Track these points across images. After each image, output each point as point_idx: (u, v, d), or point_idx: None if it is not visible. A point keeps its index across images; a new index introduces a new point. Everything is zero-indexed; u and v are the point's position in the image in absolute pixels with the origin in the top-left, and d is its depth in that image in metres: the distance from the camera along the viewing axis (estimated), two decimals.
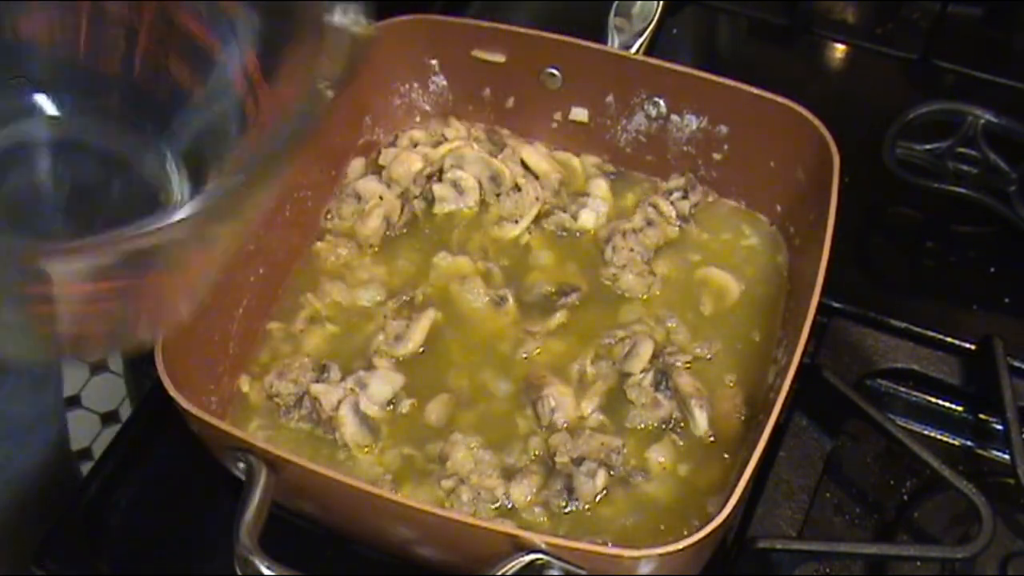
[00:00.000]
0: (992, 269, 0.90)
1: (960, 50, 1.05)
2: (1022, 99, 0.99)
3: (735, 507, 0.62)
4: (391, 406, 0.78)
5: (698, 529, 0.61)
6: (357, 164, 0.90)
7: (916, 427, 0.81)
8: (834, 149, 0.78)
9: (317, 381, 0.77)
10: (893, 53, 1.06)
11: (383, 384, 0.78)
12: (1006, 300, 0.88)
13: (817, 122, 0.79)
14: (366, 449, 0.76)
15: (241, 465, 0.66)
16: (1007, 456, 0.75)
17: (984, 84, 1.02)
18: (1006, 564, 0.73)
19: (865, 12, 1.11)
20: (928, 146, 0.94)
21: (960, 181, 0.92)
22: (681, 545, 0.60)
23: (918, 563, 0.73)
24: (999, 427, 0.79)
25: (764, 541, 0.71)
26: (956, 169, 0.93)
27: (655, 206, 0.86)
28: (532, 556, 0.61)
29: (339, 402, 0.76)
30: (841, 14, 1.12)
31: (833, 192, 0.75)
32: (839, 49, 1.09)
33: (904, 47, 1.06)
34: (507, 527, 0.65)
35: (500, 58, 0.88)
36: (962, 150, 0.93)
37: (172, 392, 0.66)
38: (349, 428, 0.75)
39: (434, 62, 0.90)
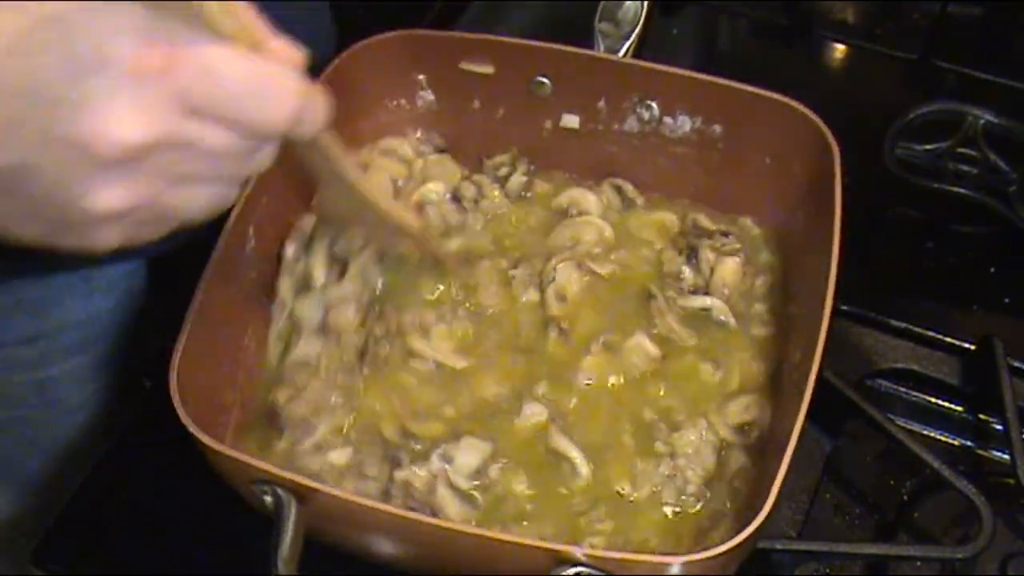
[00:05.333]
0: (992, 269, 0.90)
1: (960, 50, 1.05)
2: (1022, 99, 0.99)
3: (770, 511, 0.61)
4: (479, 475, 0.74)
5: (738, 532, 0.61)
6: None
7: (916, 427, 0.81)
8: (832, 141, 0.77)
9: (397, 466, 0.73)
10: (893, 53, 1.06)
11: (470, 455, 0.74)
12: (1006, 300, 0.88)
13: (812, 115, 0.79)
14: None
15: (268, 498, 0.64)
16: (1007, 456, 0.75)
17: (984, 84, 1.02)
18: (1006, 564, 0.73)
19: (865, 12, 1.11)
20: (928, 146, 0.94)
21: (960, 181, 0.93)
22: (724, 548, 0.60)
23: (918, 563, 0.73)
24: (999, 427, 0.79)
25: (764, 541, 0.71)
26: (956, 169, 0.93)
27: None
28: (575, 570, 0.60)
29: (433, 484, 0.72)
30: (841, 14, 1.12)
31: (836, 190, 0.75)
32: (839, 49, 1.09)
33: (904, 47, 1.06)
34: (545, 542, 0.63)
35: (489, 69, 0.87)
36: (962, 150, 0.94)
37: (192, 429, 0.65)
38: (453, 508, 0.72)
39: (421, 77, 0.89)
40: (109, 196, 0.50)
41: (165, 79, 0.48)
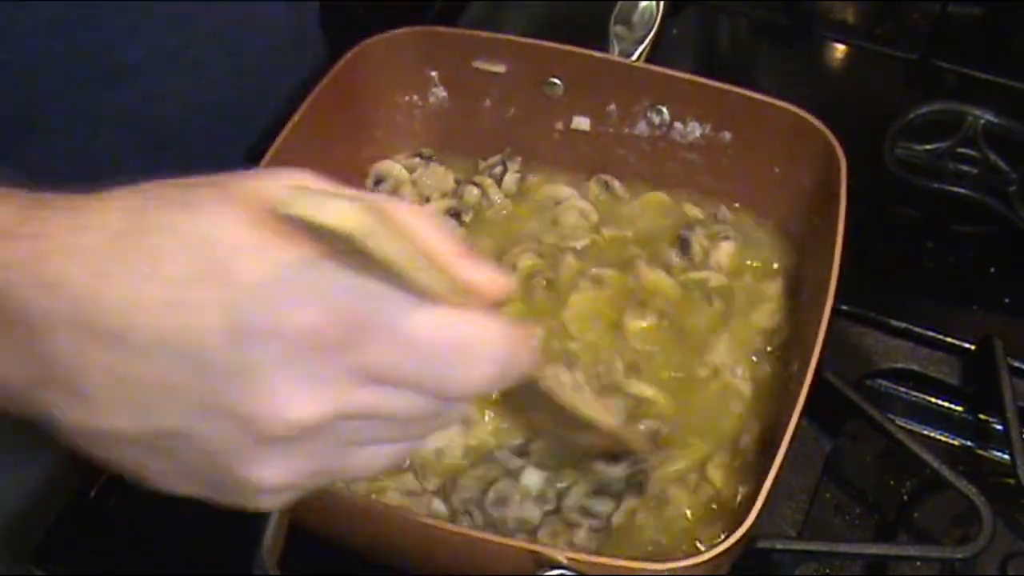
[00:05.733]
0: (992, 269, 0.90)
1: (960, 50, 1.05)
2: (1022, 99, 0.99)
3: (758, 515, 0.61)
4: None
5: (724, 539, 0.61)
6: None
7: (916, 427, 0.81)
8: (841, 155, 0.77)
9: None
10: (893, 53, 1.06)
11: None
12: (1006, 300, 0.88)
13: (822, 127, 0.79)
14: None
15: None
16: (1007, 456, 0.75)
17: (984, 84, 1.02)
18: (1006, 564, 0.73)
19: (865, 12, 1.11)
20: (928, 146, 0.94)
21: (960, 181, 0.93)
22: (707, 556, 0.60)
23: (918, 563, 0.73)
24: (999, 427, 0.79)
25: (764, 541, 0.71)
26: (956, 169, 0.93)
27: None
28: (557, 572, 0.60)
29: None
30: (841, 14, 1.12)
31: (841, 200, 0.74)
32: (839, 49, 1.09)
33: (904, 47, 1.06)
34: (526, 543, 0.64)
35: (501, 68, 0.87)
36: (962, 150, 0.94)
37: None
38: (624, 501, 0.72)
39: (434, 74, 0.89)
40: (274, 472, 0.45)
41: (346, 351, 0.42)
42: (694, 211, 0.86)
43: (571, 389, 0.63)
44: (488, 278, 0.46)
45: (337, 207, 0.38)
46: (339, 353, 0.42)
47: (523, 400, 0.61)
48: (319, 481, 0.47)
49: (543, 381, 0.57)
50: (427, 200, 0.88)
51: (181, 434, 0.44)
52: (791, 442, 0.65)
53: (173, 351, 0.42)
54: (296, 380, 0.42)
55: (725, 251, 0.83)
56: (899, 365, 0.82)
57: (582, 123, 0.89)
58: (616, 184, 0.88)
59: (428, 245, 0.43)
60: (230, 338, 0.41)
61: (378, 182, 0.89)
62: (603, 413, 0.66)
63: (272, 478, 0.45)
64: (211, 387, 0.43)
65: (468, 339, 0.43)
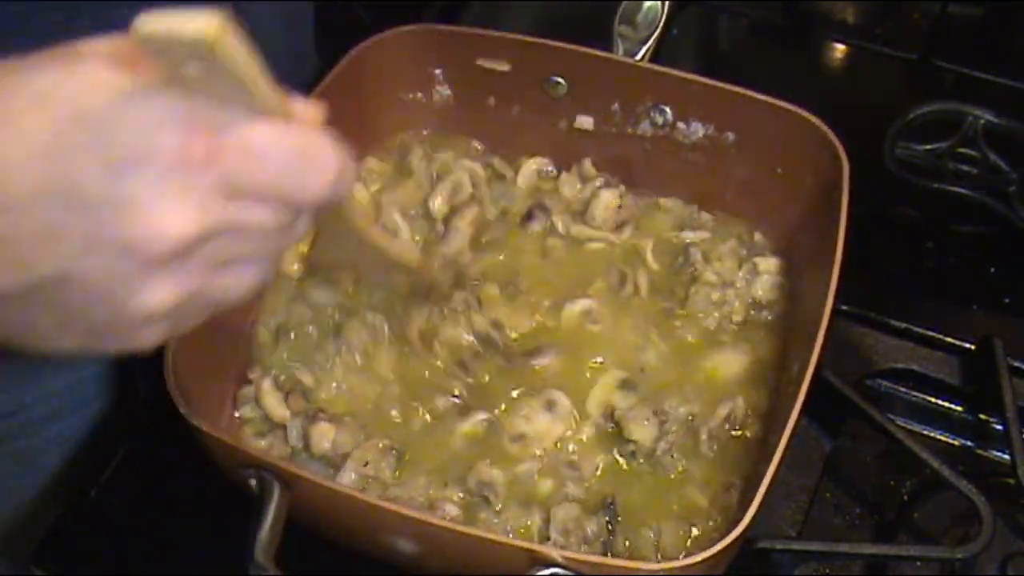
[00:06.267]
0: (992, 269, 0.90)
1: (960, 50, 1.05)
2: (1022, 99, 0.99)
3: (755, 514, 0.62)
4: None
5: (718, 540, 0.61)
6: None
7: (916, 427, 0.81)
8: (843, 156, 0.77)
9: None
10: (893, 53, 1.06)
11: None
12: (1006, 300, 0.88)
13: (826, 128, 0.79)
14: None
15: (253, 482, 0.65)
16: (1007, 456, 0.75)
17: (984, 84, 1.02)
18: (1006, 564, 0.73)
19: (865, 12, 1.11)
20: (928, 146, 0.94)
21: (960, 181, 0.93)
22: (700, 557, 0.60)
23: (918, 563, 0.73)
24: (999, 427, 0.79)
25: (764, 541, 0.71)
26: (956, 169, 0.93)
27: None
28: (550, 571, 0.61)
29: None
30: (841, 14, 1.12)
31: (844, 200, 0.74)
32: (839, 49, 1.09)
33: (904, 47, 1.06)
34: (524, 542, 0.64)
35: (505, 67, 0.87)
36: (962, 150, 0.94)
37: (183, 410, 0.65)
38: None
39: (438, 71, 0.90)
40: (158, 295, 0.47)
41: (209, 167, 0.45)
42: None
43: (378, 230, 0.72)
44: (305, 104, 0.50)
45: (190, 16, 0.41)
46: (203, 168, 0.45)
47: (336, 245, 0.67)
48: (197, 306, 0.50)
49: (353, 218, 0.64)
50: None
51: (66, 278, 0.46)
52: (790, 442, 0.65)
53: (52, 198, 0.44)
54: (171, 199, 0.45)
55: (604, 201, 0.85)
56: (899, 365, 0.82)
57: (585, 122, 0.89)
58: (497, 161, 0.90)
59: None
60: (106, 172, 0.44)
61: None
62: (405, 249, 0.75)
63: (156, 302, 0.47)
64: (93, 223, 0.45)
65: (309, 149, 0.48)
